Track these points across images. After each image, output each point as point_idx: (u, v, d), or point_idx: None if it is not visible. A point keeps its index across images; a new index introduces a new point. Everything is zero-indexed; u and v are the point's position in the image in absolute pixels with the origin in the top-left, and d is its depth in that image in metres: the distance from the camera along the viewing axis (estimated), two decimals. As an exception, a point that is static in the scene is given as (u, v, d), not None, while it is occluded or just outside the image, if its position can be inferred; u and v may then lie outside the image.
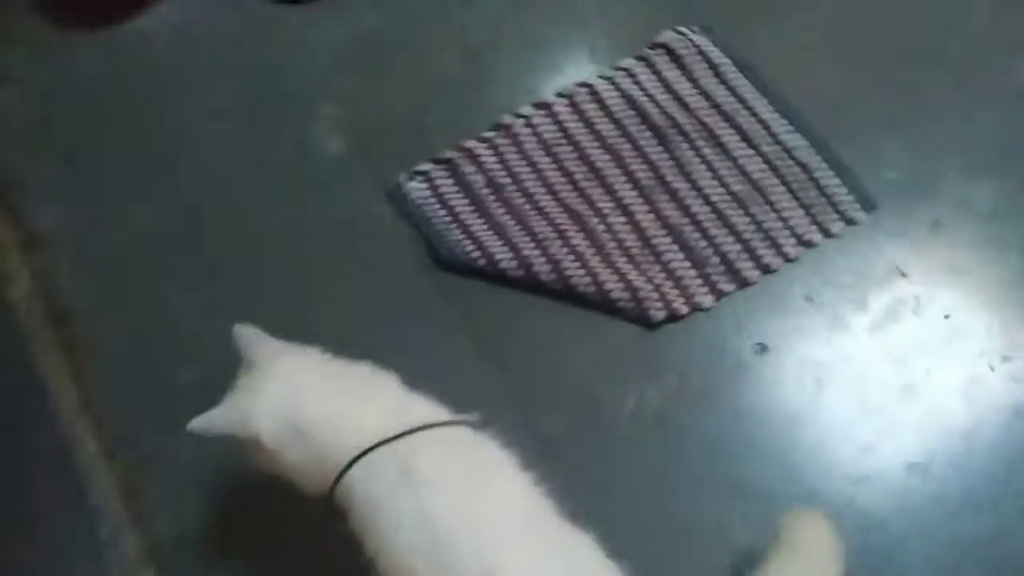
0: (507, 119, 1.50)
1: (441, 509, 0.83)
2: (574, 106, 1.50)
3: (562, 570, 0.84)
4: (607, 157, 1.45)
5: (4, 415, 1.31)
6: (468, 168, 1.46)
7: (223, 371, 0.98)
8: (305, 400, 0.93)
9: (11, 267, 1.42)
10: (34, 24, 1.63)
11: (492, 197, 1.44)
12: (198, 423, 0.93)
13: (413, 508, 0.83)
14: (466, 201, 1.44)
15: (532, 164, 1.46)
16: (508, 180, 1.46)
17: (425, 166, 1.47)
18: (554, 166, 1.46)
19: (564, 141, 1.48)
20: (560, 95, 1.51)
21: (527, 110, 1.50)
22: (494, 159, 1.47)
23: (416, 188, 1.45)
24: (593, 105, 1.50)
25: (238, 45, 1.62)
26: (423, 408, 0.94)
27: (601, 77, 1.52)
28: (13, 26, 1.63)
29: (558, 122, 1.49)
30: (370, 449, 0.88)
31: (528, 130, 1.49)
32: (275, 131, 1.52)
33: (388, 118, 1.53)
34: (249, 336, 0.99)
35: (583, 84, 1.52)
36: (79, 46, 1.60)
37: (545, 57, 1.57)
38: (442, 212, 1.44)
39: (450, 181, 1.46)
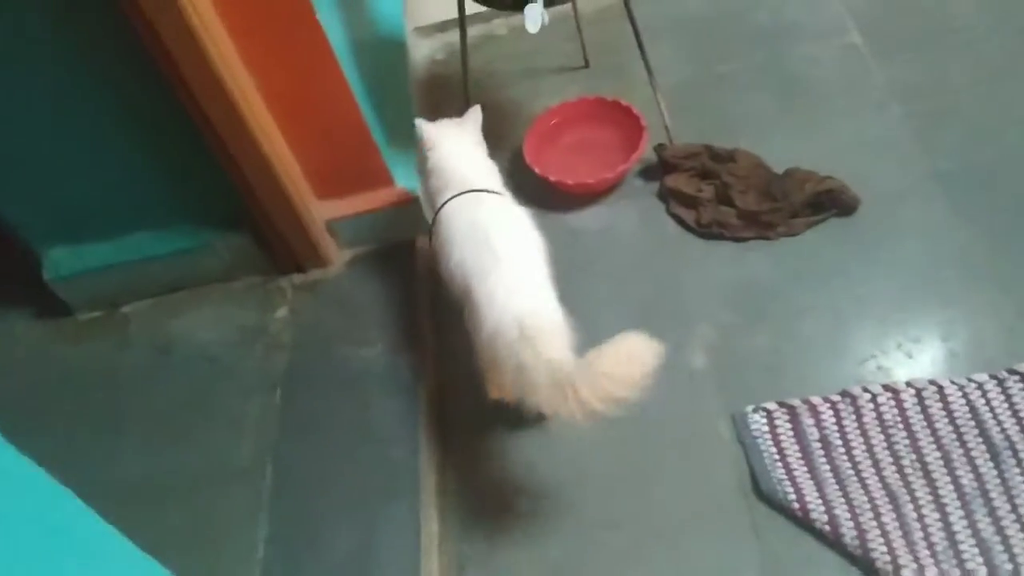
0: (855, 390, 1.69)
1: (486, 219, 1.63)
2: (920, 400, 1.66)
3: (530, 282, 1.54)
4: (938, 455, 1.60)
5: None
6: (807, 420, 1.67)
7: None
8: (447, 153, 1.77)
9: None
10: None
11: (821, 453, 1.64)
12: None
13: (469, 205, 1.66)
14: (797, 448, 1.65)
15: (866, 436, 1.64)
16: (840, 443, 1.64)
17: (770, 405, 1.70)
18: (885, 445, 1.63)
19: (901, 427, 1.64)
20: (909, 384, 1.68)
21: (876, 388, 1.69)
22: (833, 420, 1.67)
23: (757, 421, 1.69)
24: (939, 405, 1.65)
25: (649, 256, 1.98)
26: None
27: (953, 383, 1.67)
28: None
29: (901, 408, 1.66)
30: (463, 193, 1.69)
31: (871, 405, 1.67)
32: (656, 331, 1.83)
33: (751, 353, 1.79)
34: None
35: (933, 382, 1.68)
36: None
37: (905, 344, 1.74)
38: (773, 450, 1.65)
39: (788, 426, 1.68)
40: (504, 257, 1.56)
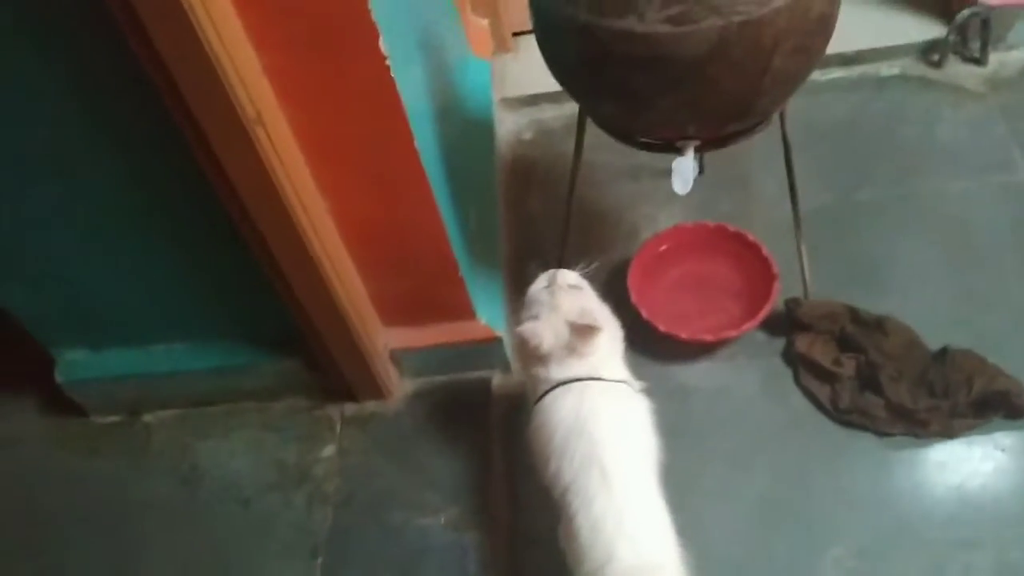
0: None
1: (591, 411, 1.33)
2: None
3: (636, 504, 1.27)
4: None
5: None
6: None
7: None
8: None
9: None
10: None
11: None
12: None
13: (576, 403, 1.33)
14: None
15: None
16: None
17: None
18: None
19: None
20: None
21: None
22: None
23: None
24: None
25: (772, 438, 1.67)
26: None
27: None
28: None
29: None
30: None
31: None
32: (779, 546, 1.53)
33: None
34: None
35: None
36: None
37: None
38: None
39: None
40: (617, 484, 1.26)
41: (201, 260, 1.60)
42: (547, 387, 1.39)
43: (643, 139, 1.51)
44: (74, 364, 1.80)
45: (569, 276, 1.46)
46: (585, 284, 1.47)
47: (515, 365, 1.76)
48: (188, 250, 1.58)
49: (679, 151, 1.40)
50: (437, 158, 1.62)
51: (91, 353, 1.79)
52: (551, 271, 1.46)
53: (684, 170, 1.34)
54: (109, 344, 1.78)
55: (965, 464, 1.59)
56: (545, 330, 1.37)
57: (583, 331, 1.36)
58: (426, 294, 1.67)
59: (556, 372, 1.39)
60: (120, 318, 1.71)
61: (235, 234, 1.46)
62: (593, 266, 1.49)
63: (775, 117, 1.52)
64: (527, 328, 1.37)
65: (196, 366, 1.78)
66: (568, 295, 1.41)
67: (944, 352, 1.67)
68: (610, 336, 1.43)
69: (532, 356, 1.40)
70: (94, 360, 1.80)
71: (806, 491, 1.60)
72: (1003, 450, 1.60)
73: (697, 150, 1.44)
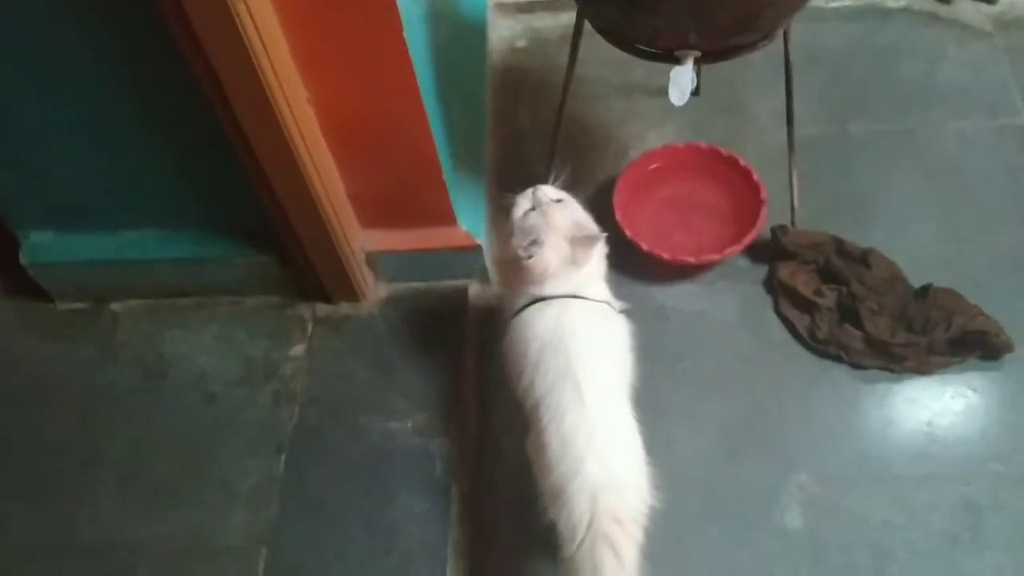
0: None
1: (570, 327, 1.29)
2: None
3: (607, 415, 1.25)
4: None
5: None
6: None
7: None
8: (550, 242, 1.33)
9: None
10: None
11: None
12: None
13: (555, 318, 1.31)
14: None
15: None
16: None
17: (874, 599, 1.41)
18: None
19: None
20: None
21: (1005, 604, 1.39)
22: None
23: (856, 617, 1.39)
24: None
25: (747, 363, 1.66)
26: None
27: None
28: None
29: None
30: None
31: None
32: (746, 470, 1.53)
33: (858, 523, 1.49)
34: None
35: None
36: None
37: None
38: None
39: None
40: (590, 401, 1.24)
41: (176, 144, 1.54)
42: (527, 301, 1.36)
43: (643, 47, 1.45)
44: (40, 246, 1.75)
45: (550, 191, 1.41)
46: (566, 195, 1.43)
47: (493, 276, 1.73)
48: (162, 133, 1.52)
49: (678, 61, 1.35)
50: (427, 57, 1.56)
51: (58, 236, 1.74)
52: (529, 190, 1.41)
53: (682, 81, 1.29)
54: (77, 227, 1.72)
55: (936, 401, 1.59)
56: (550, 253, 1.33)
57: (584, 242, 1.33)
58: (407, 197, 1.62)
59: (539, 288, 1.35)
60: (88, 200, 1.66)
61: (213, 119, 1.40)
62: (565, 173, 1.43)
63: (778, 34, 1.47)
64: (537, 259, 1.32)
65: (166, 255, 1.73)
66: (558, 211, 1.36)
67: (926, 289, 1.65)
68: (601, 248, 1.40)
69: (520, 271, 1.36)
70: (61, 243, 1.74)
71: (776, 418, 1.60)
72: (975, 390, 1.60)
73: (696, 62, 1.39)
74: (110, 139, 1.53)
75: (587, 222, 1.37)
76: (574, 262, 1.34)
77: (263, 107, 1.33)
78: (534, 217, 1.34)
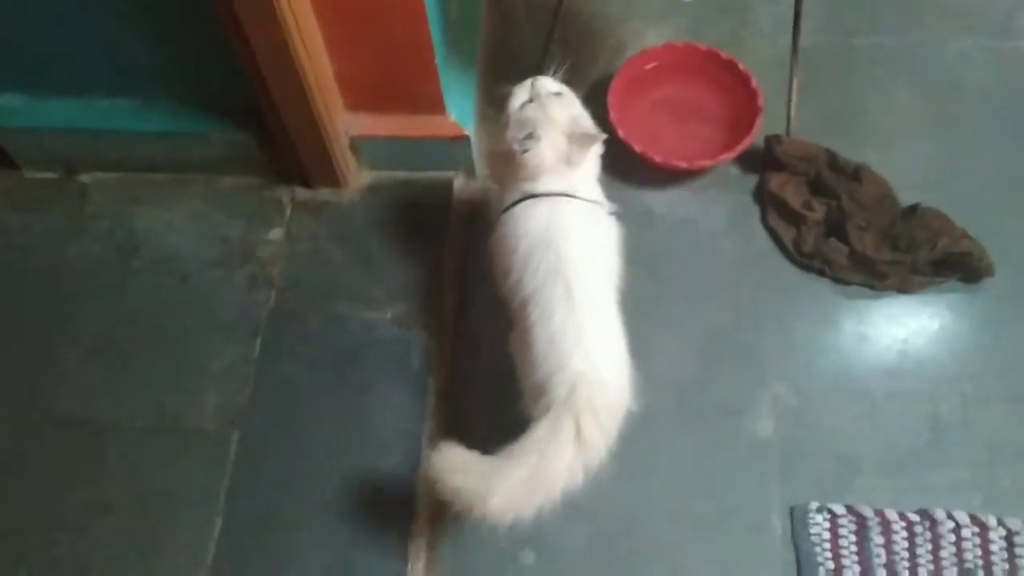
0: (938, 514, 1.44)
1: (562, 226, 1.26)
2: (1010, 546, 1.42)
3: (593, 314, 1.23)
4: (1017, 619, 1.37)
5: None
6: (876, 538, 1.43)
7: None
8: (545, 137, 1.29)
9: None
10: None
11: (885, 581, 1.40)
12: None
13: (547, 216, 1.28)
14: (858, 569, 1.42)
15: (939, 573, 1.40)
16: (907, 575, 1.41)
17: (838, 508, 1.45)
18: (958, 592, 1.40)
19: (982, 573, 1.41)
20: (1001, 523, 1.43)
21: (961, 517, 1.44)
22: (905, 546, 1.42)
23: (818, 524, 1.43)
24: (1031, 557, 1.41)
25: (731, 272, 1.66)
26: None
27: (1054, 532, 1.43)
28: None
29: (986, 549, 1.42)
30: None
31: (952, 537, 1.43)
32: (723, 378, 1.54)
33: (827, 433, 1.51)
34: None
35: (1032, 526, 1.43)
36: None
37: (1008, 472, 1.48)
38: (831, 564, 1.41)
39: (853, 538, 1.43)
40: (579, 300, 1.22)
41: (159, 8, 1.45)
42: (519, 197, 1.32)
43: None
44: (7, 110, 1.67)
45: (549, 83, 1.36)
46: (565, 88, 1.38)
47: (480, 169, 1.68)
48: (141, -4, 1.44)
49: (690, -48, 1.28)
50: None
51: (27, 99, 1.66)
52: (527, 81, 1.36)
53: (694, -28, 1.23)
54: (47, 91, 1.64)
55: (914, 320, 1.60)
56: (547, 148, 1.29)
57: (582, 140, 1.29)
58: (397, 80, 1.56)
59: (532, 185, 1.32)
60: (60, 63, 1.57)
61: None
62: (565, 67, 1.38)
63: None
64: (532, 153, 1.28)
65: (140, 127, 1.66)
66: (558, 104, 1.32)
67: (914, 209, 1.65)
68: (599, 145, 1.36)
69: (514, 167, 1.32)
70: (30, 107, 1.66)
71: (755, 328, 1.60)
72: (952, 311, 1.61)
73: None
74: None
75: (586, 119, 1.33)
76: (569, 160, 1.30)
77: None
78: (532, 109, 1.30)
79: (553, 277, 1.24)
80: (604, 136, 1.31)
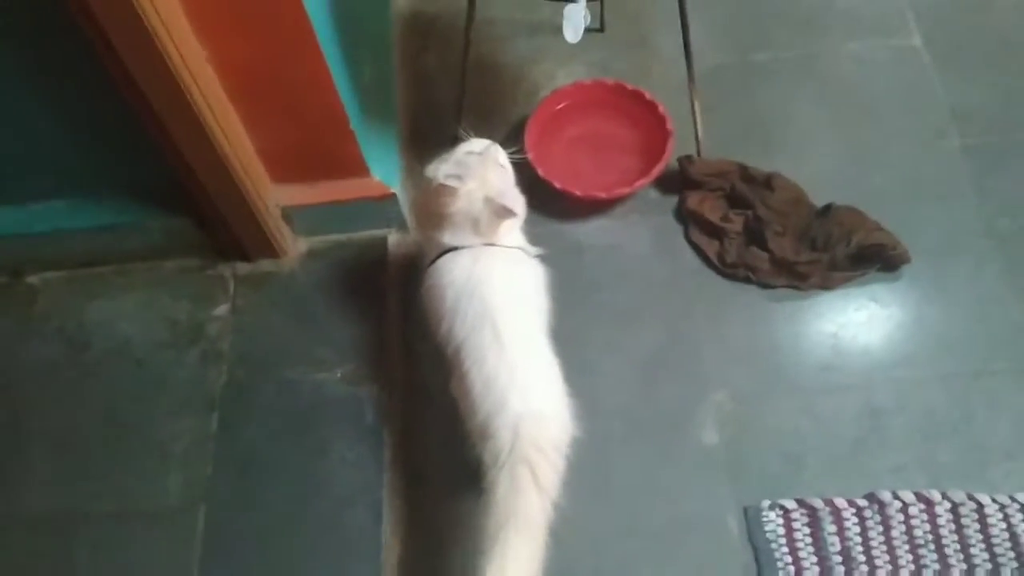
0: (885, 496, 1.49)
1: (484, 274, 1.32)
2: (956, 516, 1.47)
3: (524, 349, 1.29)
4: (972, 585, 1.42)
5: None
6: (829, 528, 1.47)
7: None
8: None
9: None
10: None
11: (842, 568, 1.44)
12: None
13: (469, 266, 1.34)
14: (815, 559, 1.46)
15: (892, 555, 1.46)
16: (863, 559, 1.46)
17: (789, 503, 1.49)
18: (913, 567, 1.44)
19: (932, 546, 1.46)
20: (945, 497, 1.49)
21: (908, 496, 1.49)
22: (857, 531, 1.47)
23: (772, 521, 1.48)
24: (976, 526, 1.47)
25: (661, 291, 1.71)
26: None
27: (994, 500, 1.48)
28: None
29: (934, 524, 1.47)
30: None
31: (901, 516, 1.48)
32: (665, 393, 1.59)
33: (770, 433, 1.56)
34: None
35: (972, 498, 1.49)
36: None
37: (945, 446, 1.54)
38: (788, 559, 1.46)
39: (807, 530, 1.48)
40: (508, 342, 1.29)
41: (78, 112, 1.53)
42: (440, 251, 1.39)
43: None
44: (-54, 223, 1.71)
45: (501, 156, 1.43)
46: (511, 168, 1.44)
47: (411, 223, 1.75)
48: (63, 101, 1.51)
49: (571, -2, 1.37)
50: (324, 7, 1.55)
51: (-35, 211, 1.71)
52: (486, 141, 1.44)
53: (575, 18, 1.32)
54: (-16, 201, 1.69)
55: (840, 315, 1.67)
56: (463, 196, 1.35)
57: (499, 211, 1.36)
58: (316, 148, 1.62)
59: (451, 239, 1.38)
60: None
61: (109, 81, 1.38)
62: (521, 156, 1.47)
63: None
64: (450, 190, 1.35)
65: (79, 224, 1.72)
66: (497, 171, 1.39)
67: (828, 208, 1.72)
68: (516, 222, 1.43)
69: (432, 215, 1.39)
70: (-32, 219, 1.71)
71: (691, 341, 1.66)
72: (876, 301, 1.68)
73: (590, -1, 1.41)
74: (12, 111, 1.50)
75: (512, 199, 1.38)
76: (476, 224, 1.36)
77: (158, 67, 1.32)
78: (474, 159, 1.37)
79: (480, 323, 1.30)
80: (518, 215, 1.37)
